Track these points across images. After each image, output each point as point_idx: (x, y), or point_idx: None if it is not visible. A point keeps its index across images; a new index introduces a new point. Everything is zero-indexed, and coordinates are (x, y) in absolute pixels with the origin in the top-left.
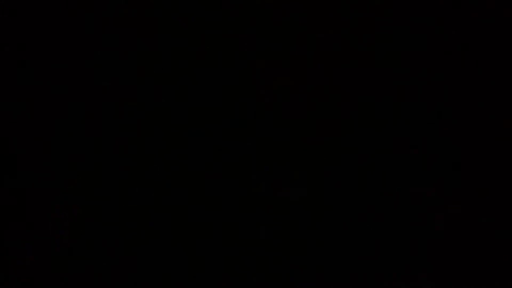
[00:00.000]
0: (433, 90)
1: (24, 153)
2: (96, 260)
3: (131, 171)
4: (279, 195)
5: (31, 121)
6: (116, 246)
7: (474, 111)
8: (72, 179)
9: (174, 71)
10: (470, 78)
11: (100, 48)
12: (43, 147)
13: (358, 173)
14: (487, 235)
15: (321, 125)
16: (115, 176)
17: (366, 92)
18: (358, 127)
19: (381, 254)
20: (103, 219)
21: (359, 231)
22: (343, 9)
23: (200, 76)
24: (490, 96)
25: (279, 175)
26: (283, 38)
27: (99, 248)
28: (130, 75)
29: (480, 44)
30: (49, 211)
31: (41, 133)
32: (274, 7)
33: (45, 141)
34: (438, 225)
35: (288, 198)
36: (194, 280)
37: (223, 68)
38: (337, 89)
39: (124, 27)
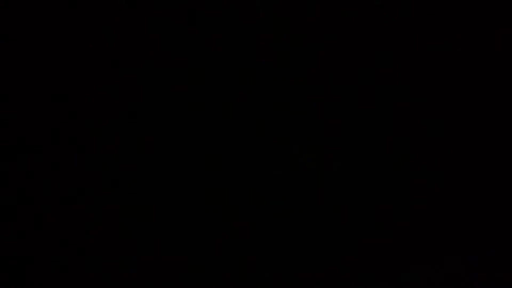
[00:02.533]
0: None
1: (23, 153)
2: (96, 260)
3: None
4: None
5: (31, 121)
6: (116, 246)
7: (474, 111)
8: (72, 179)
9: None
10: (469, 79)
11: (101, 48)
12: (43, 147)
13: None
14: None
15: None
16: (115, 176)
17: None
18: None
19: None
20: (103, 219)
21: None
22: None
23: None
24: (490, 96)
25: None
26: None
27: (99, 248)
28: (130, 75)
29: (480, 44)
30: (49, 211)
31: (41, 133)
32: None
33: (45, 141)
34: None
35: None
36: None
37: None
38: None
39: (124, 27)
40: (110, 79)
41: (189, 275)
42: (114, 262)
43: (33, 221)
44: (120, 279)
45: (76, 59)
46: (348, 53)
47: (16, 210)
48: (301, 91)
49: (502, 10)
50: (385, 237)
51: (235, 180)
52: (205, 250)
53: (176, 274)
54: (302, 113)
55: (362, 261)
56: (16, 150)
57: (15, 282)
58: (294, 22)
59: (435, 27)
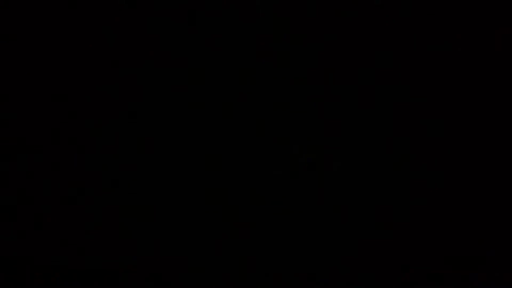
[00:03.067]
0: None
1: (23, 153)
2: (96, 260)
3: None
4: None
5: (31, 121)
6: (116, 245)
7: (473, 111)
8: (72, 179)
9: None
10: (469, 79)
11: (101, 48)
12: (43, 147)
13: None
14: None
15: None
16: (115, 176)
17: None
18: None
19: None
20: (103, 219)
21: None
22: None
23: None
24: (490, 96)
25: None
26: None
27: (99, 248)
28: (130, 75)
29: (480, 45)
30: (49, 211)
31: (41, 133)
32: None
33: (45, 141)
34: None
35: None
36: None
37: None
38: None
39: (124, 27)
40: (110, 79)
41: (189, 275)
42: (114, 262)
43: (33, 221)
44: (120, 279)
45: (76, 59)
46: (348, 53)
47: (16, 210)
48: (301, 91)
49: (502, 10)
50: (385, 237)
51: (235, 180)
52: (205, 250)
53: (176, 274)
54: (302, 113)
55: (362, 261)
56: (16, 150)
57: (15, 282)
58: (294, 22)
59: (435, 27)
